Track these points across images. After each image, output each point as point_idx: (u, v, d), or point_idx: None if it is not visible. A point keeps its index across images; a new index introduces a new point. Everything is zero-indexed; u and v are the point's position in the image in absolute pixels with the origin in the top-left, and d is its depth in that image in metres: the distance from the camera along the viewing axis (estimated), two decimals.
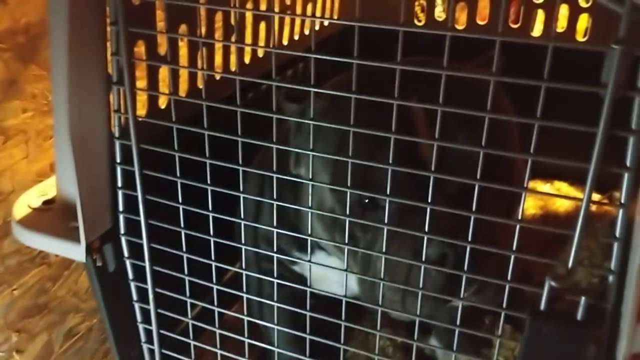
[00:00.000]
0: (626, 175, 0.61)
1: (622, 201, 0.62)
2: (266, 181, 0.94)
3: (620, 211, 0.63)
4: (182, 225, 0.86)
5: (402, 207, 0.76)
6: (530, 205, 1.74)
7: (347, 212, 0.76)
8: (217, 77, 1.17)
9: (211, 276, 0.89)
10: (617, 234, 0.63)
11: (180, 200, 0.85)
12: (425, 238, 0.72)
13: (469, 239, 0.69)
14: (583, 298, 0.65)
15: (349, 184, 0.74)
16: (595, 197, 1.56)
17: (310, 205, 0.83)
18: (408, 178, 0.73)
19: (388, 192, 0.72)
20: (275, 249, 0.84)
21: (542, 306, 0.66)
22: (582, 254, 1.52)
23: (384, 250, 0.78)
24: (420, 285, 0.74)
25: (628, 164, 0.60)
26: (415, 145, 0.76)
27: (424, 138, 0.74)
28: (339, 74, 0.86)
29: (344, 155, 0.74)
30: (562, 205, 1.74)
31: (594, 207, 1.65)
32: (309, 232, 0.86)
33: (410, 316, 0.80)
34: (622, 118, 0.59)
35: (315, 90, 0.72)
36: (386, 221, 0.74)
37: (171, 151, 0.82)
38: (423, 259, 0.73)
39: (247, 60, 1.29)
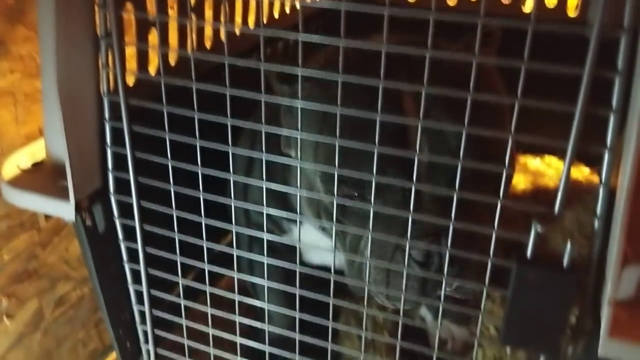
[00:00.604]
0: (606, 154, 0.62)
1: (603, 180, 0.63)
2: (257, 140, 0.94)
3: (601, 189, 0.64)
4: (171, 183, 0.86)
5: (391, 199, 0.77)
6: (520, 181, 1.75)
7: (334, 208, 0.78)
8: (208, 46, 1.17)
9: (203, 236, 0.89)
10: (599, 213, 0.65)
11: (169, 157, 0.84)
12: (410, 235, 0.74)
13: (454, 236, 0.71)
14: (569, 245, 0.65)
15: (335, 177, 0.76)
16: (585, 170, 1.56)
17: (299, 186, 0.82)
18: (397, 168, 0.74)
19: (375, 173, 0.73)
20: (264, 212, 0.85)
21: (529, 254, 0.67)
22: (571, 226, 1.55)
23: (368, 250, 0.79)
24: (404, 284, 0.77)
25: (608, 143, 0.61)
26: (405, 132, 0.77)
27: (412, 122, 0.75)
28: (327, 48, 0.86)
29: (329, 143, 0.74)
30: (551, 180, 1.75)
31: (584, 181, 1.68)
32: (298, 206, 0.85)
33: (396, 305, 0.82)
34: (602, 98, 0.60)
35: (305, 73, 0.72)
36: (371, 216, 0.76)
37: (160, 106, 0.82)
38: (406, 260, 0.75)
39: (237, 32, 1.28)
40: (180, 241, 0.90)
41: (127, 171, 0.86)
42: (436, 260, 0.75)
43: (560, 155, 1.83)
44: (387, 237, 0.78)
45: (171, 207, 0.88)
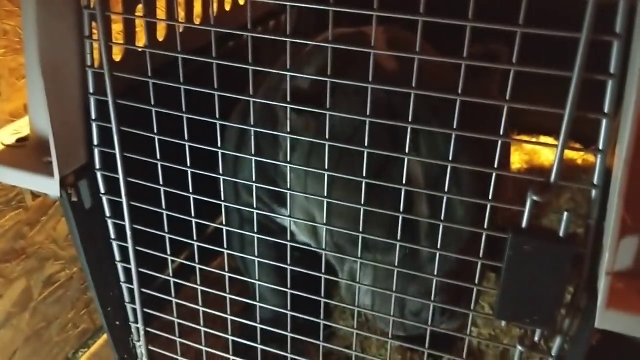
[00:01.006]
0: (604, 122, 0.60)
1: (601, 147, 0.61)
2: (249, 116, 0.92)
3: (599, 157, 0.62)
4: (158, 157, 0.84)
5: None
6: (516, 160, 1.74)
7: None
8: (197, 21, 1.14)
9: (192, 213, 0.87)
10: (597, 182, 0.63)
11: (155, 131, 0.82)
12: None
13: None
14: (566, 214, 0.64)
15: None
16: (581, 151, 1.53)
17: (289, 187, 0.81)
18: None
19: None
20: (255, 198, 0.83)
21: (524, 223, 0.65)
22: (568, 205, 1.53)
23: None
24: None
25: (606, 109, 0.59)
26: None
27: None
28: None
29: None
30: (547, 160, 1.74)
31: (580, 160, 1.67)
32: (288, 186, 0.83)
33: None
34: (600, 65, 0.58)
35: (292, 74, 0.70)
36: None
37: (146, 78, 0.79)
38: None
39: (227, 7, 1.26)
40: (171, 220, 0.88)
41: (113, 147, 0.84)
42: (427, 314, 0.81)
43: (556, 136, 1.82)
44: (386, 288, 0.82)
45: (158, 182, 0.86)
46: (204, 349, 0.98)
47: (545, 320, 0.68)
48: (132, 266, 0.93)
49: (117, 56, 0.91)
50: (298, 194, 0.86)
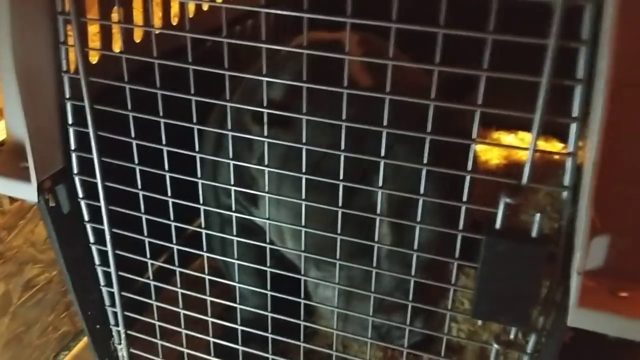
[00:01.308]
0: (573, 125, 0.62)
1: (571, 150, 0.63)
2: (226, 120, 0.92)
3: (570, 160, 0.64)
4: (136, 162, 0.84)
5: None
6: (495, 155, 1.76)
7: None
8: (175, 21, 1.14)
9: (171, 217, 0.88)
10: (567, 183, 0.65)
11: (133, 135, 0.82)
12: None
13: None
14: (538, 215, 0.65)
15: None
16: (559, 146, 1.57)
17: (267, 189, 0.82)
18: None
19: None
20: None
21: (498, 224, 0.66)
22: (544, 200, 1.55)
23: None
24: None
25: (574, 114, 0.61)
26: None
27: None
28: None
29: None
30: (525, 155, 1.76)
31: (557, 156, 1.69)
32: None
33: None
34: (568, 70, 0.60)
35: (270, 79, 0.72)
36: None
37: (122, 83, 0.79)
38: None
39: (205, 7, 1.26)
40: (151, 222, 0.88)
41: (91, 151, 0.84)
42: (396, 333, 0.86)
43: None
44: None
45: (136, 186, 0.86)
46: (186, 350, 0.98)
47: (520, 318, 0.69)
48: (112, 270, 0.93)
49: (94, 58, 0.91)
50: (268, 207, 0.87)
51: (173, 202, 0.85)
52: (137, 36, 1.01)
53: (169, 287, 0.95)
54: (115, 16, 0.89)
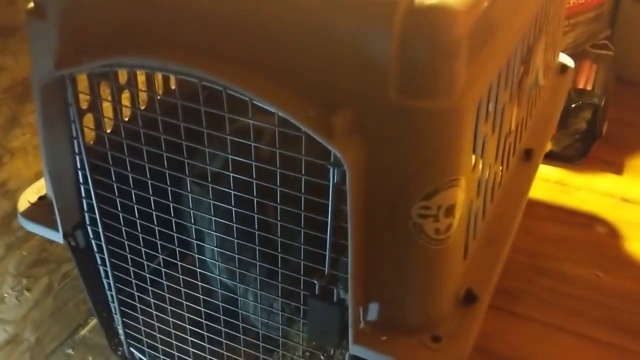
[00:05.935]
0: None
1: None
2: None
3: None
4: (137, 216, 1.32)
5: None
6: None
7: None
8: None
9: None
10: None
11: (134, 201, 1.30)
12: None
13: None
14: (335, 288, 1.10)
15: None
16: None
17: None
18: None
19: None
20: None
21: (317, 291, 1.12)
22: None
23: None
24: None
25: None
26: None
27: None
28: None
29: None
30: None
31: None
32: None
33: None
34: None
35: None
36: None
37: (121, 154, 1.26)
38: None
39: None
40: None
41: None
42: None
43: None
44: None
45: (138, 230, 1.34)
46: (173, 331, 1.44)
47: (332, 342, 1.16)
48: (111, 281, 1.44)
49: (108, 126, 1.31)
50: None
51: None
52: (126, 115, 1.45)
53: (154, 277, 1.44)
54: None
